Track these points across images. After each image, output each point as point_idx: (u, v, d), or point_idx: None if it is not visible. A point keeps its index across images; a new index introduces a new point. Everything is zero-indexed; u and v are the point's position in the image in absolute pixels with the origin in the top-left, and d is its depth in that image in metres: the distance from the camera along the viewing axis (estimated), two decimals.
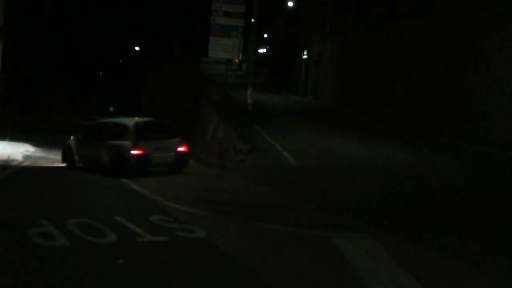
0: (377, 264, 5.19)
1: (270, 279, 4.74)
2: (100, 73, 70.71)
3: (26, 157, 16.91)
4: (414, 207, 8.53)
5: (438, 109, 18.19)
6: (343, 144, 16.20)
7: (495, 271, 5.20)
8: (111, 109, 64.05)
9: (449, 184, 10.69)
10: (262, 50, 56.43)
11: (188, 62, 45.39)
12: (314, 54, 34.72)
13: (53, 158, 16.48)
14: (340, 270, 5.05)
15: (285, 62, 42.02)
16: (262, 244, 6.01)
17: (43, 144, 21.34)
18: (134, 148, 12.32)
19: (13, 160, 15.79)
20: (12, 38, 35.21)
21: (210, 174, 13.88)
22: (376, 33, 24.50)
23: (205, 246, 5.80)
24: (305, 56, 37.10)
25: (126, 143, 12.46)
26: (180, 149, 13.32)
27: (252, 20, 17.18)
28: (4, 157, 15.98)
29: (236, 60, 50.95)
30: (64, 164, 14.35)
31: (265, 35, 55.12)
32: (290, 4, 40.18)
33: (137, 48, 54.24)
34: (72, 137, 14.39)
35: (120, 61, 70.33)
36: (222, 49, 22.38)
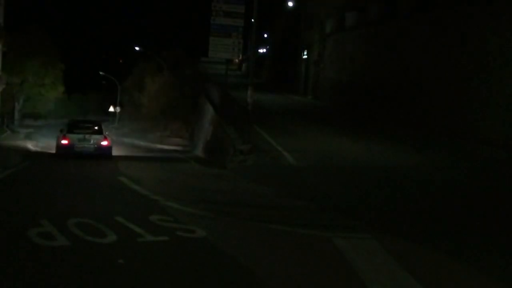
0: (377, 264, 5.19)
1: (270, 279, 4.74)
2: (101, 73, 70.69)
3: None
4: (414, 207, 8.53)
5: (438, 109, 18.20)
6: (343, 144, 16.20)
7: (495, 271, 5.19)
8: (111, 109, 63.95)
9: (449, 184, 10.69)
10: (262, 50, 56.44)
11: (188, 62, 45.38)
12: (314, 54, 34.71)
13: None
14: (340, 270, 5.05)
15: (285, 62, 42.02)
16: (262, 244, 6.01)
17: None
18: (63, 139, 17.78)
19: None
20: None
21: (210, 174, 13.88)
22: (376, 33, 24.49)
23: (205, 246, 5.80)
24: (305, 56, 37.10)
25: (60, 135, 18.28)
26: (103, 143, 18.05)
27: (252, 20, 17.18)
28: None
29: (236, 60, 50.96)
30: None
31: (265, 35, 55.12)
32: (290, 4, 40.18)
33: (137, 48, 54.17)
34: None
35: (120, 61, 70.30)
36: (222, 49, 22.39)
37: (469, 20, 16.85)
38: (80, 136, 17.92)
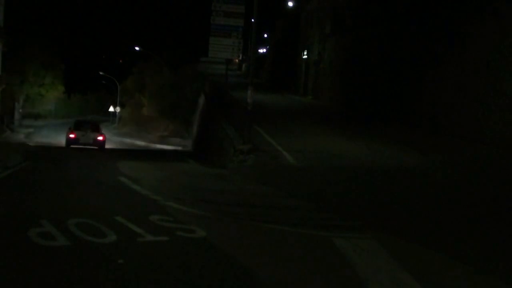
0: (377, 264, 5.19)
1: (270, 279, 4.74)
2: (101, 73, 70.67)
3: None
4: (414, 207, 8.53)
5: (438, 109, 18.19)
6: (343, 144, 16.20)
7: (495, 271, 5.19)
8: (111, 109, 63.97)
9: (449, 184, 10.69)
10: (262, 50, 56.44)
11: (188, 62, 45.36)
12: (314, 54, 34.71)
13: None
14: (340, 270, 5.05)
15: (285, 62, 42.01)
16: (262, 244, 6.00)
17: None
18: (71, 133, 24.99)
19: None
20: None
21: (210, 174, 13.88)
22: (375, 33, 24.48)
23: (205, 246, 5.80)
24: (305, 56, 37.09)
25: (69, 131, 25.39)
26: (99, 138, 25.08)
27: (252, 20, 17.17)
28: None
29: (236, 60, 50.92)
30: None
31: (265, 35, 55.11)
32: (290, 4, 40.18)
33: (137, 48, 54.14)
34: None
35: (120, 61, 70.28)
36: (222, 49, 22.38)
37: (469, 20, 16.85)
38: (83, 132, 25.10)
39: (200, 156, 23.53)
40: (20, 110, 53.45)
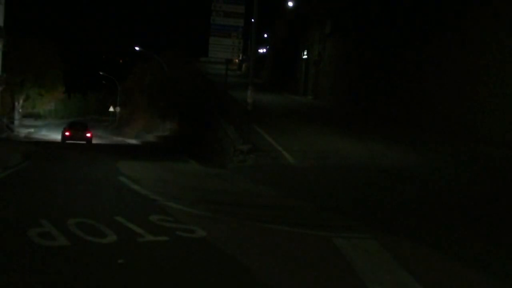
0: (377, 264, 5.19)
1: (270, 279, 4.74)
2: (101, 73, 70.65)
3: None
4: (414, 207, 8.53)
5: (438, 108, 18.19)
6: (343, 144, 16.19)
7: (495, 271, 5.19)
8: (111, 109, 63.98)
9: (449, 184, 10.69)
10: (262, 50, 56.43)
11: (188, 62, 45.35)
12: (314, 54, 34.71)
13: None
14: (340, 270, 5.05)
15: (285, 62, 42.00)
16: (262, 244, 6.00)
17: None
18: (66, 131, 33.44)
19: None
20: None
21: (210, 174, 13.88)
22: (375, 33, 24.49)
23: (205, 246, 5.80)
24: (305, 56, 37.09)
25: (64, 130, 34.03)
26: (87, 135, 33.53)
27: (252, 20, 17.17)
28: None
29: (236, 60, 50.92)
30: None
31: (265, 35, 55.10)
32: (290, 4, 40.18)
33: (137, 48, 54.13)
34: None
35: (120, 61, 70.28)
36: (222, 49, 22.38)
37: (469, 20, 16.85)
38: (75, 130, 33.70)
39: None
40: (20, 110, 53.46)
